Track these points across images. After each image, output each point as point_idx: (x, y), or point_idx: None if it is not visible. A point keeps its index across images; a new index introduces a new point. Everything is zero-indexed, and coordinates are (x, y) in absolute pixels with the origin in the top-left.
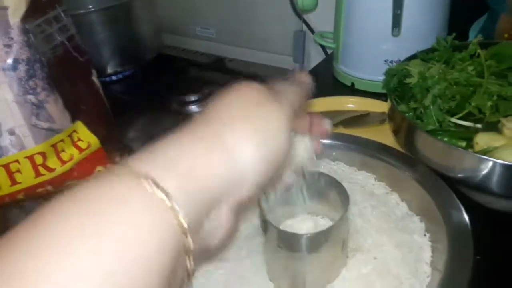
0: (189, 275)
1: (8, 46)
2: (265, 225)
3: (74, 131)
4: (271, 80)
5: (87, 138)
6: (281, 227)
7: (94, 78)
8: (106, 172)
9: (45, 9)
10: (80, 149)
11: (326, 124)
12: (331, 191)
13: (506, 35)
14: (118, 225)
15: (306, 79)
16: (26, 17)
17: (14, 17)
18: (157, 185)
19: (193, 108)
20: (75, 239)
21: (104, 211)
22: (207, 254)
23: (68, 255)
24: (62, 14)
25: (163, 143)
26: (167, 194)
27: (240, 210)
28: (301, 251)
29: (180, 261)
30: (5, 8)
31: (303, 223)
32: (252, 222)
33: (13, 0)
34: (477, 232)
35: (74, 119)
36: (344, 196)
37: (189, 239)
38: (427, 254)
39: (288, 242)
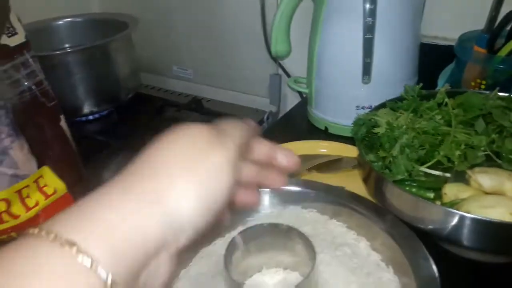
0: None
1: None
2: (231, 283)
3: (40, 176)
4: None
5: (53, 183)
6: (248, 282)
7: (63, 123)
8: (27, 236)
9: (13, 54)
10: (46, 195)
11: (292, 157)
12: (298, 243)
13: (472, 83)
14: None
15: (251, 122)
16: None
17: None
18: (80, 250)
19: None
20: None
21: (23, 280)
22: None
23: None
24: (30, 60)
25: (91, 201)
26: (91, 259)
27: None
28: None
29: None
30: None
31: (272, 276)
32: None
33: None
34: (450, 282)
35: (40, 164)
36: (311, 252)
37: None
38: None
39: None
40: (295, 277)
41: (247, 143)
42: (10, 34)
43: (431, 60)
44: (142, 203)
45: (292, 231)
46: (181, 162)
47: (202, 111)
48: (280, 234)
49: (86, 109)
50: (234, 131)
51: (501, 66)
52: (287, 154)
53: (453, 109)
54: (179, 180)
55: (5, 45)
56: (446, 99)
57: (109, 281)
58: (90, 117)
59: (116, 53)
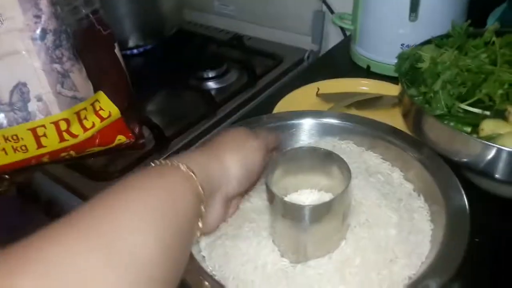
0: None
1: (37, 16)
2: (271, 195)
3: (96, 100)
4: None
5: (108, 107)
6: (286, 199)
7: (117, 51)
8: (154, 166)
9: None
10: (102, 118)
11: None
12: (334, 166)
13: None
14: (164, 190)
15: (277, 136)
16: None
17: None
18: (188, 168)
19: (211, 84)
20: (137, 202)
21: (155, 184)
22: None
23: (130, 212)
24: None
25: (187, 155)
26: (194, 174)
27: (228, 204)
28: (304, 221)
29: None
30: None
31: (307, 196)
32: (259, 193)
33: None
34: (478, 216)
35: (96, 89)
36: (346, 172)
37: (203, 207)
38: (425, 234)
39: (291, 212)
40: (329, 197)
41: (273, 143)
42: None
43: (481, 1)
44: (212, 159)
45: (330, 155)
46: (231, 144)
47: (243, 49)
48: (318, 158)
49: (132, 43)
50: (264, 133)
51: None
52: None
53: (500, 48)
54: (229, 152)
55: None
56: (494, 38)
57: (201, 190)
58: (135, 51)
59: None
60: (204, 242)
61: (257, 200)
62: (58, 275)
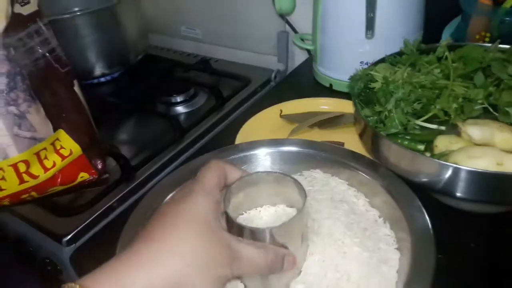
0: None
1: None
2: (228, 220)
3: (57, 139)
4: None
5: (69, 145)
6: (242, 215)
7: (76, 88)
8: None
9: (26, 23)
10: (63, 156)
11: None
12: (290, 190)
13: (477, 36)
14: None
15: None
16: (7, 32)
17: None
18: None
19: (179, 109)
20: None
21: None
22: None
23: None
24: (43, 27)
25: (109, 266)
26: None
27: None
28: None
29: None
30: None
31: (264, 211)
32: None
33: None
34: (442, 233)
35: (56, 127)
36: (301, 192)
37: None
38: (392, 264)
39: (250, 236)
40: (287, 211)
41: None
42: (23, 3)
43: (438, 13)
44: (150, 268)
45: (284, 178)
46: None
47: (210, 71)
48: (274, 181)
49: (97, 71)
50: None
51: (507, 19)
52: None
53: (453, 62)
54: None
55: (18, 14)
56: (447, 53)
57: None
58: (101, 80)
59: (124, 15)
60: None
61: None
62: None
